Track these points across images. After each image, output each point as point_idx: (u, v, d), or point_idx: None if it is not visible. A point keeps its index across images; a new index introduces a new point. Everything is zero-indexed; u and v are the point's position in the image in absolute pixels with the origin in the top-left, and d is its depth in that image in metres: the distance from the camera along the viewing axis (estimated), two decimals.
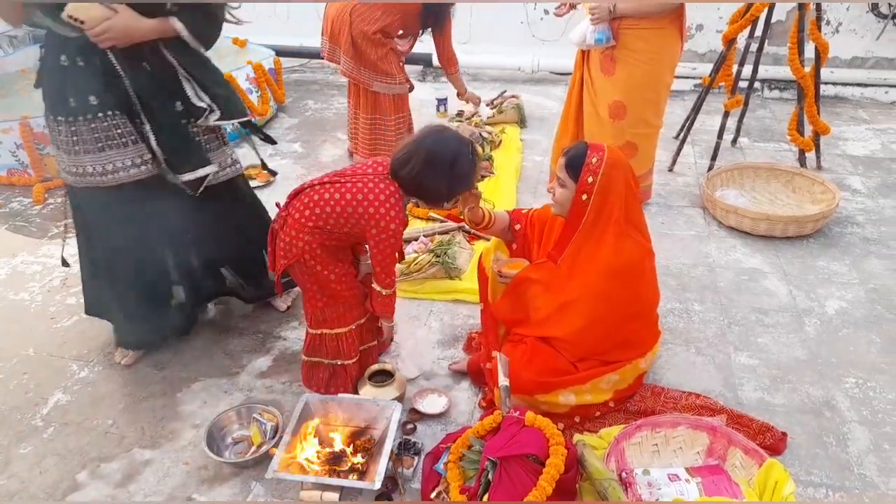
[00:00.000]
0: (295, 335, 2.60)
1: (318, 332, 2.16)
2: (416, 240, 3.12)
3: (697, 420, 2.00)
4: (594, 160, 2.00)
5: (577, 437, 2.01)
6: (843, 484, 1.93)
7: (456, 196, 2.13)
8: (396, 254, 2.10)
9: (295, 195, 2.07)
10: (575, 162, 2.02)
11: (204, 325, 2.66)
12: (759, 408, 2.21)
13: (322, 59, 3.99)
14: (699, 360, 2.44)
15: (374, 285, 2.09)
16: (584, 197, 2.02)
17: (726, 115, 3.77)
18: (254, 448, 2.01)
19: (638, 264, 2.09)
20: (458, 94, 4.33)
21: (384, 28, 3.56)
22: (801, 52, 3.62)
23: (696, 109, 3.99)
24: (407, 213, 3.41)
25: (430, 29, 3.78)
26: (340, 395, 2.13)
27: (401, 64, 3.80)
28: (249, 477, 1.96)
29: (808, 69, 3.69)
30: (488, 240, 3.16)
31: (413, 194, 2.04)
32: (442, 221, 3.36)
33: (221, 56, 5.17)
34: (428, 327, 2.65)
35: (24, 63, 5.48)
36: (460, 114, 4.78)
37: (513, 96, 4.88)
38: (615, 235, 2.04)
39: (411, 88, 3.89)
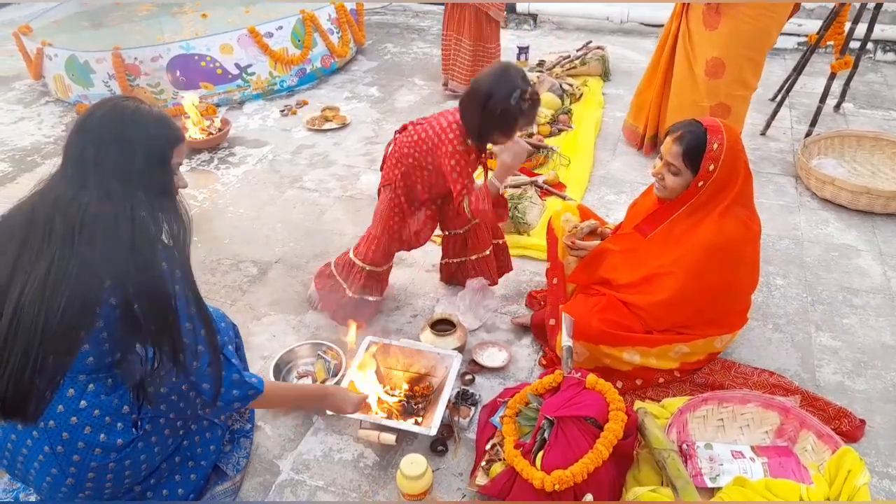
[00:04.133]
0: None
1: (361, 265, 2.32)
2: None
3: (769, 399, 1.91)
4: (715, 146, 1.85)
5: (637, 403, 1.97)
6: None
7: (491, 138, 2.05)
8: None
9: (401, 131, 2.23)
10: (694, 152, 1.87)
11: (277, 264, 2.74)
12: (837, 392, 2.09)
13: None
14: (776, 337, 2.32)
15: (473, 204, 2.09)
16: (701, 183, 1.90)
17: (832, 77, 3.47)
18: (318, 384, 2.08)
19: (739, 245, 1.95)
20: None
21: None
22: None
23: (799, 70, 3.69)
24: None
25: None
26: (403, 340, 2.15)
27: None
28: (311, 410, 2.03)
29: None
30: (563, 198, 3.10)
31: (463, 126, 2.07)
32: (515, 174, 3.28)
33: None
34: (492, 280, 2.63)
35: None
36: (541, 63, 4.62)
37: (598, 47, 4.66)
38: (720, 213, 1.92)
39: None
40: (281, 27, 4.29)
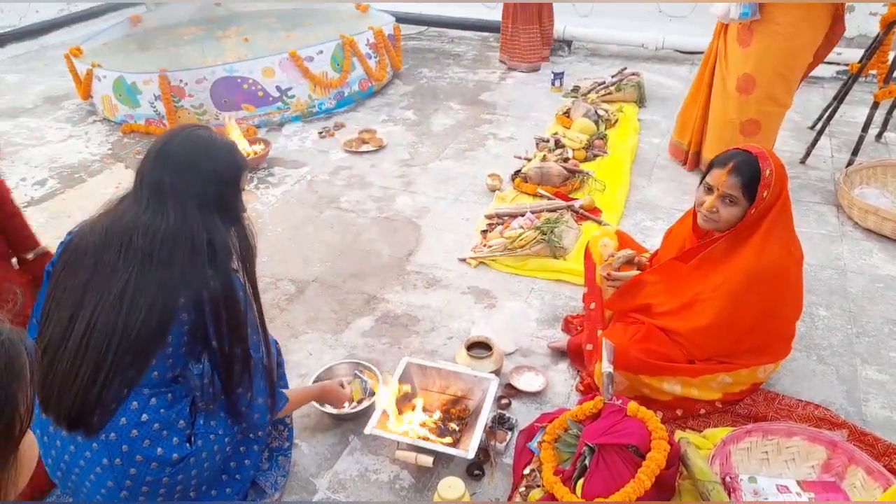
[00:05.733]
0: (398, 298, 2.65)
1: None
2: (522, 215, 3.08)
3: (816, 432, 1.86)
4: (768, 173, 1.84)
5: (679, 433, 1.93)
6: None
7: None
8: None
9: None
10: (750, 179, 1.84)
11: (314, 283, 2.77)
12: (886, 427, 2.03)
13: None
14: (820, 369, 2.26)
15: None
16: (754, 212, 1.88)
17: (875, 105, 3.42)
18: (354, 403, 2.09)
19: (782, 270, 1.92)
20: None
21: None
22: None
23: (840, 99, 3.64)
24: (514, 187, 3.40)
25: None
26: (439, 362, 2.15)
27: None
28: (348, 430, 2.04)
29: None
30: (599, 222, 3.10)
31: None
32: (550, 199, 3.29)
33: (343, 20, 5.32)
34: (528, 304, 2.62)
35: (164, 20, 5.86)
36: (576, 89, 4.64)
37: (633, 73, 4.67)
38: (762, 238, 1.89)
39: None
40: (321, 51, 4.39)
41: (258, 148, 3.81)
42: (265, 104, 4.28)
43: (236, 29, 5.74)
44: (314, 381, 2.14)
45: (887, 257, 2.86)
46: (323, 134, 4.22)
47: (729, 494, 1.72)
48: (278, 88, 4.29)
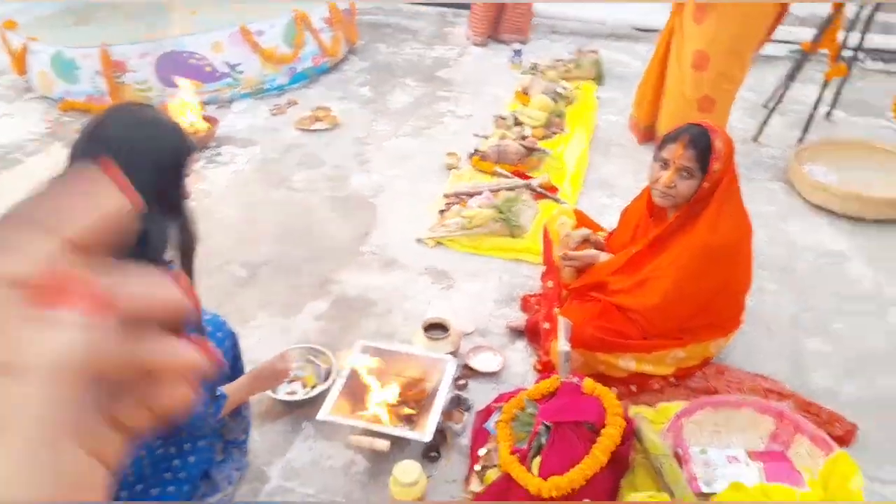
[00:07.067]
0: (353, 280, 2.60)
1: None
2: (479, 194, 3.05)
3: (764, 403, 1.91)
4: (718, 145, 1.86)
5: (633, 409, 1.95)
6: None
7: None
8: None
9: None
10: (704, 151, 1.87)
11: (265, 266, 2.70)
12: (829, 396, 2.09)
13: None
14: (768, 342, 2.31)
15: None
16: (707, 185, 1.90)
17: (825, 84, 3.49)
18: (308, 389, 2.04)
19: (732, 246, 1.96)
20: None
21: None
22: None
23: (791, 77, 3.70)
24: (472, 166, 3.36)
25: None
26: (395, 344, 2.12)
27: None
28: (301, 416, 1.99)
29: None
30: (557, 201, 3.09)
31: None
32: (508, 177, 3.27)
33: None
34: (485, 284, 2.60)
35: None
36: (535, 66, 4.61)
37: (592, 51, 4.66)
38: (714, 213, 1.92)
39: None
40: (273, 25, 4.24)
41: (200, 125, 3.64)
42: (213, 80, 4.12)
43: (183, 1, 5.50)
44: None
45: (834, 233, 2.93)
46: (275, 111, 4.09)
47: (681, 466, 1.75)
48: (227, 64, 4.13)
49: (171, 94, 3.77)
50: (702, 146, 1.87)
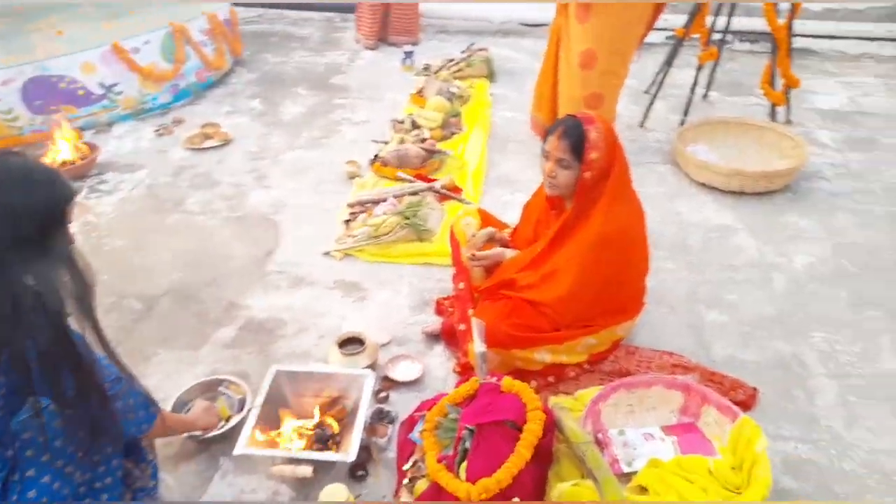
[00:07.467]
0: (260, 303, 2.51)
1: None
2: (384, 200, 3.02)
3: (671, 379, 2.00)
4: (593, 135, 1.93)
5: (552, 399, 1.99)
6: (811, 437, 1.96)
7: None
8: None
9: None
10: (576, 141, 1.95)
11: (164, 297, 2.55)
12: (730, 364, 2.22)
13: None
14: (672, 319, 2.43)
15: None
16: (588, 174, 1.96)
17: (699, 68, 3.72)
18: (222, 423, 1.94)
19: (629, 231, 2.05)
20: None
21: None
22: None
23: (669, 63, 3.92)
24: (374, 172, 3.33)
25: None
26: (311, 365, 2.06)
27: None
28: (218, 452, 1.89)
29: (781, 21, 3.64)
30: (461, 201, 3.11)
31: None
32: (411, 181, 3.26)
33: (171, 4, 4.88)
34: (398, 291, 2.58)
35: None
36: (427, 67, 4.62)
37: (481, 49, 4.73)
38: (607, 202, 1.99)
39: None
40: (148, 41, 4.02)
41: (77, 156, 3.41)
42: (88, 104, 3.85)
43: (47, 20, 5.09)
44: (173, 406, 1.96)
45: (718, 207, 3.13)
46: (160, 132, 3.88)
47: (602, 450, 1.80)
48: (102, 85, 3.87)
49: (42, 122, 3.49)
50: (575, 137, 1.95)
